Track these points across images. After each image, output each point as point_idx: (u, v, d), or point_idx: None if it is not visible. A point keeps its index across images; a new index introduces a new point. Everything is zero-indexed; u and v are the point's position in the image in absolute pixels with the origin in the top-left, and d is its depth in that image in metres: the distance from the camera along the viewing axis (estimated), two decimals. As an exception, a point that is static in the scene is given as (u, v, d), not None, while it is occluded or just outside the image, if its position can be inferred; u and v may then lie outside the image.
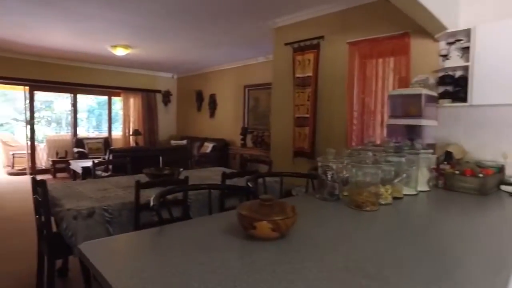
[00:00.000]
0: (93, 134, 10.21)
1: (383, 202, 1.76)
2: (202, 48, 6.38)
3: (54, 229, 2.16)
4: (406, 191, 1.99)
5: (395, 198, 1.85)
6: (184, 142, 8.64)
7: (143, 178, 2.89)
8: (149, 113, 9.34)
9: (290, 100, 4.39)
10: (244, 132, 7.05)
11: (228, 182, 2.56)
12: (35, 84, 7.66)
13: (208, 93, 8.62)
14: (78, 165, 6.29)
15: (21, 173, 7.90)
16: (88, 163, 5.76)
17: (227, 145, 7.57)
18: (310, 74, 4.15)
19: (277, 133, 4.70)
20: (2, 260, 3.10)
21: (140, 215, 2.13)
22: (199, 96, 8.87)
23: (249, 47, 6.28)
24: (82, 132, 9.48)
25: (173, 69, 9.15)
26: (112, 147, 7.75)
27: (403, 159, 1.96)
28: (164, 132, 9.68)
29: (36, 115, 8.31)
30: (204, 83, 8.78)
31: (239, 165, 6.90)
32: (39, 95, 8.69)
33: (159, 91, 9.56)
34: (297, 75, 4.28)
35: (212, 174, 3.30)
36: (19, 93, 7.86)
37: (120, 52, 6.30)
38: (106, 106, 9.22)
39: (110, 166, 5.15)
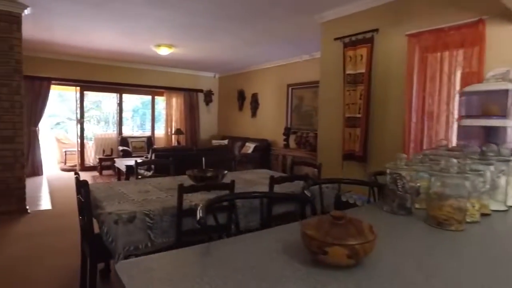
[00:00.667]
0: (137, 133, 10.51)
1: (469, 220, 1.45)
2: (245, 46, 6.24)
3: (97, 229, 2.08)
4: (493, 206, 1.66)
5: (482, 215, 1.52)
6: (225, 142, 8.57)
7: (185, 180, 2.76)
8: (191, 113, 9.39)
9: (340, 98, 4.08)
10: (287, 132, 6.80)
11: (276, 187, 2.35)
12: (85, 85, 7.97)
13: (250, 92, 8.48)
14: (122, 163, 6.42)
15: (72, 169, 8.26)
16: (131, 161, 5.84)
17: (269, 145, 7.37)
18: (363, 70, 3.82)
19: (324, 133, 4.41)
20: (51, 255, 3.14)
21: (182, 221, 1.98)
22: (241, 96, 8.75)
23: (293, 45, 6.04)
24: (127, 131, 9.77)
25: (215, 69, 9.12)
26: (154, 147, 7.88)
27: (491, 168, 1.63)
28: (205, 132, 9.70)
29: (86, 114, 8.68)
30: (246, 82, 8.65)
31: (282, 167, 6.67)
32: (89, 95, 9.07)
33: (201, 91, 9.60)
34: (348, 72, 3.97)
35: (257, 177, 3.10)
36: (72, 93, 8.23)
37: (164, 51, 6.33)
38: (150, 106, 9.41)
39: (153, 165, 5.15)
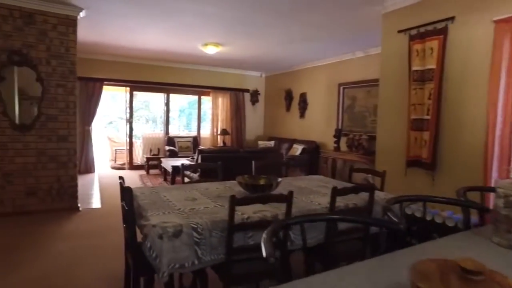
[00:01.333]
0: (183, 132, 10.60)
1: None
2: (294, 43, 5.93)
3: (140, 237, 1.90)
4: None
5: None
6: (271, 143, 8.31)
7: (234, 185, 2.53)
8: (236, 113, 9.26)
9: (404, 98, 3.63)
10: (338, 134, 6.37)
11: (339, 199, 2.03)
12: (134, 85, 8.14)
13: (298, 92, 8.13)
14: (168, 163, 6.41)
15: (121, 167, 8.49)
16: (177, 162, 5.79)
17: (317, 147, 6.98)
18: (433, 66, 3.35)
19: (384, 137, 3.97)
20: (96, 259, 3.07)
21: (233, 236, 1.73)
22: (289, 95, 8.44)
23: (346, 41, 5.62)
24: (173, 131, 9.87)
25: (262, 68, 8.90)
26: (200, 147, 7.83)
27: None
28: (251, 132, 9.52)
29: (135, 114, 8.88)
30: (294, 81, 8.32)
31: (331, 171, 6.26)
32: (138, 96, 9.28)
33: (247, 90, 9.43)
34: (415, 68, 3.51)
35: (312, 185, 2.79)
36: (123, 94, 8.47)
37: (211, 50, 6.21)
38: (196, 105, 9.42)
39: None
